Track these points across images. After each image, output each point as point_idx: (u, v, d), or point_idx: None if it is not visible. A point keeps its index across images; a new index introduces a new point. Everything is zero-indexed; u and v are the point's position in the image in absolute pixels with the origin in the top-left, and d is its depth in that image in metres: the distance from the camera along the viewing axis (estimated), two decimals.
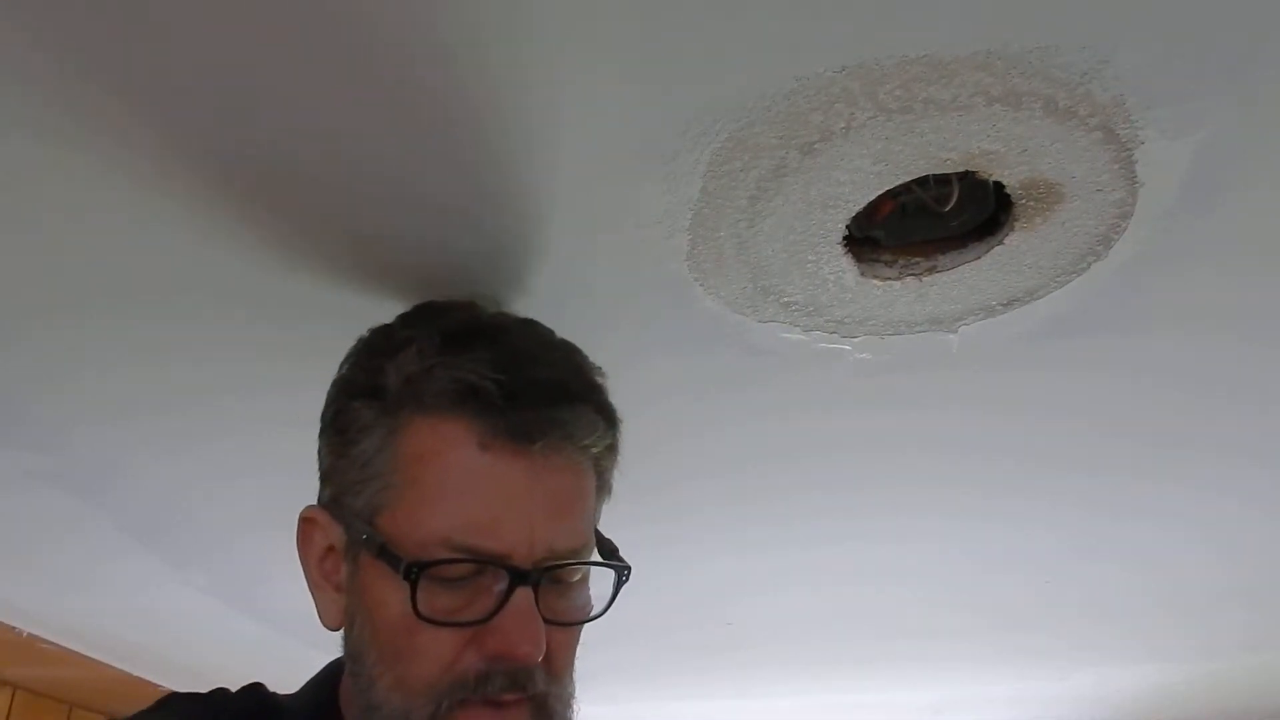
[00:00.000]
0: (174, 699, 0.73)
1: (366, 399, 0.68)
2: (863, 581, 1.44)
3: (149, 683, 1.93)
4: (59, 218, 0.74)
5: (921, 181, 0.73)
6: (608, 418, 0.70)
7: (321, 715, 0.71)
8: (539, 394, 0.66)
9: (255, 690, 0.74)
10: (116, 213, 0.73)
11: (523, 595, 0.63)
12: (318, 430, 0.73)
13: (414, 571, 0.62)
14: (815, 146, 0.68)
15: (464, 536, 0.63)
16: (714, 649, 1.73)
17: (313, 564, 0.69)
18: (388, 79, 0.61)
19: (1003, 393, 0.98)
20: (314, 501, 0.72)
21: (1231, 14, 0.59)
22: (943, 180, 0.74)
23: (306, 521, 0.70)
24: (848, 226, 0.75)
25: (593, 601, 0.69)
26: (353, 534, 0.67)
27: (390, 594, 0.64)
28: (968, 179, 0.73)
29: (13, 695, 1.86)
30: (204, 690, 0.73)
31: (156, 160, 0.68)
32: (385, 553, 0.64)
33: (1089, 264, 0.80)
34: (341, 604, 0.68)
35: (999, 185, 0.73)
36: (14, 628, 1.58)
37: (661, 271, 0.80)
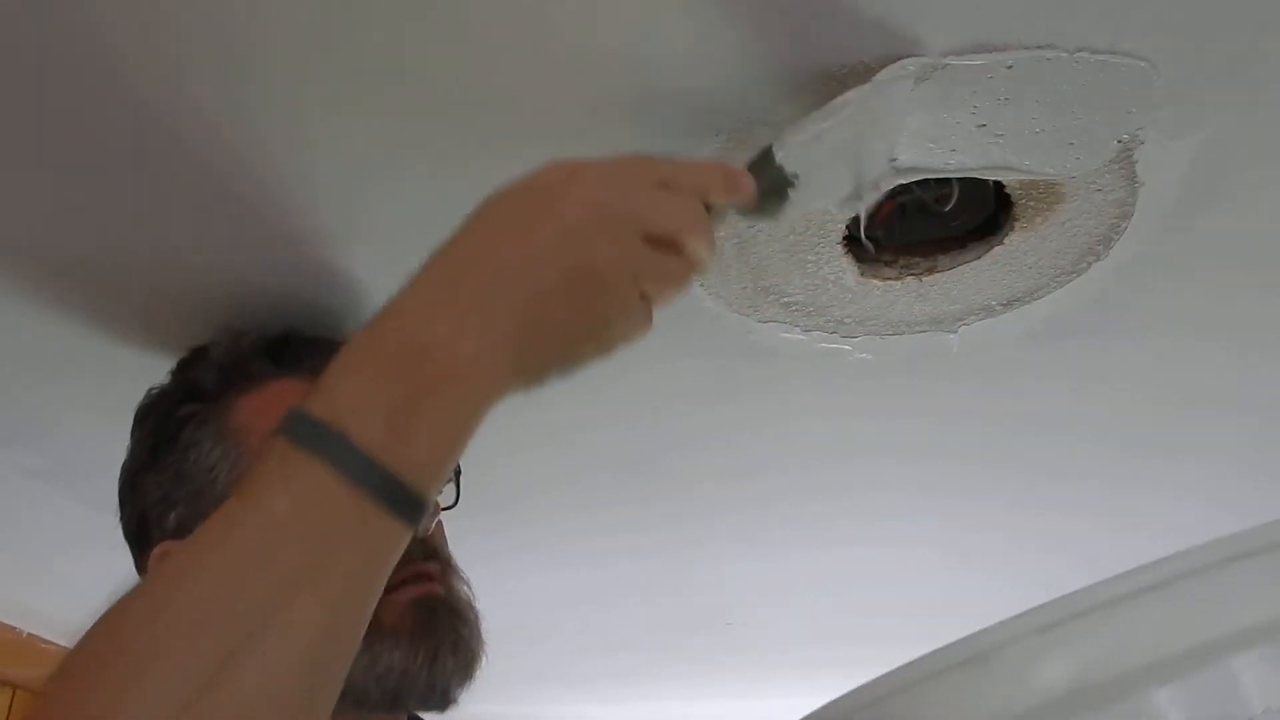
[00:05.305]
0: None
1: (190, 402, 0.74)
2: (863, 583, 1.44)
3: None
4: None
5: (921, 182, 0.73)
6: None
7: None
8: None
9: None
10: None
11: None
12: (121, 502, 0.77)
13: None
14: None
15: None
16: (714, 650, 1.73)
17: None
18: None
19: (1004, 394, 0.98)
20: None
21: (1232, 13, 0.59)
22: (943, 180, 0.74)
23: (164, 559, 0.70)
24: (848, 226, 0.75)
25: None
26: None
27: None
28: (968, 179, 0.73)
29: (13, 695, 1.85)
30: None
31: None
32: None
33: (1089, 264, 0.80)
34: None
35: (999, 185, 0.73)
36: (14, 628, 1.58)
37: None
